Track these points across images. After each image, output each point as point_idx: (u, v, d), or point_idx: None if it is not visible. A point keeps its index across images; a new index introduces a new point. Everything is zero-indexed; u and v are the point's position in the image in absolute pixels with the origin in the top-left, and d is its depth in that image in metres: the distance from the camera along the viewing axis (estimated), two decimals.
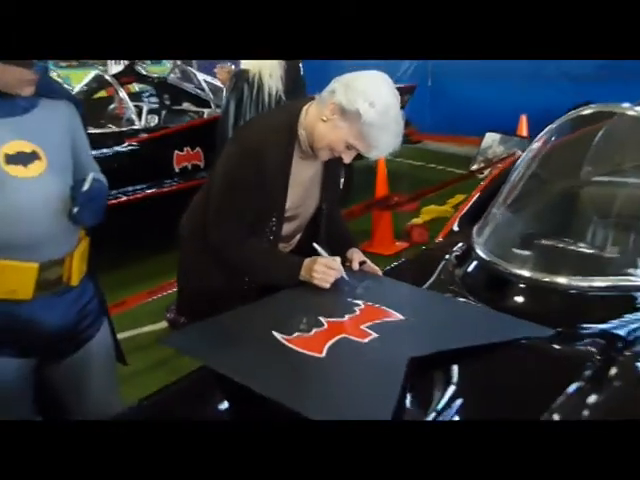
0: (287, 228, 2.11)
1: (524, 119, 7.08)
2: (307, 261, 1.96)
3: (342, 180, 6.53)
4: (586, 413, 1.38)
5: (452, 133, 8.50)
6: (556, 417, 1.35)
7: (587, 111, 2.31)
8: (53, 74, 7.80)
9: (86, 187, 1.77)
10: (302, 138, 1.98)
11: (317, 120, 1.93)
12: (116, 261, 4.45)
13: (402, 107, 6.44)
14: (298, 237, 2.22)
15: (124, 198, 4.81)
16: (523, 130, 6.99)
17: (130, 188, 4.91)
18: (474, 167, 5.41)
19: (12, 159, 1.71)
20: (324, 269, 1.91)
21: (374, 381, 1.45)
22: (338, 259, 1.97)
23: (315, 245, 2.01)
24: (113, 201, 4.69)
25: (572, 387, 1.43)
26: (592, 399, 1.41)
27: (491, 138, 5.57)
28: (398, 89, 4.79)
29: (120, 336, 2.22)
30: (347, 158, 1.97)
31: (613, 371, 1.49)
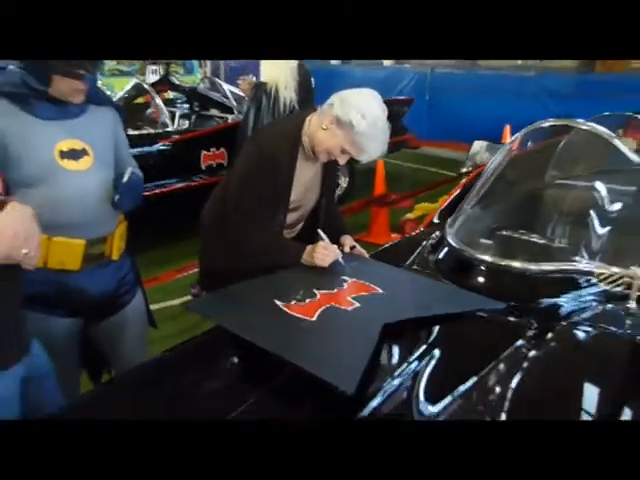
0: (291, 217, 2.16)
1: (508, 129, 7.08)
2: (309, 246, 2.01)
3: (347, 179, 6.66)
4: (525, 366, 1.44)
5: (446, 140, 8.48)
6: (502, 369, 1.42)
7: (546, 124, 2.35)
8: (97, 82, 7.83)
9: (125, 179, 1.82)
10: (305, 144, 2.04)
11: (318, 128, 1.98)
12: (151, 244, 4.48)
13: (401, 117, 6.47)
14: (301, 225, 2.27)
15: (158, 190, 4.83)
16: (507, 139, 6.96)
17: (163, 182, 4.93)
18: (463, 170, 5.42)
19: (65, 155, 1.75)
20: (324, 251, 1.97)
21: (352, 344, 1.51)
22: (335, 246, 2.03)
23: (319, 231, 2.08)
24: (148, 193, 4.65)
25: (516, 347, 1.49)
26: (532, 358, 1.47)
27: (479, 145, 5.56)
28: (398, 101, 4.84)
29: (152, 307, 2.27)
30: (342, 161, 2.03)
31: (550, 336, 1.55)
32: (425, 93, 9.85)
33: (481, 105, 8.66)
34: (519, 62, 9.27)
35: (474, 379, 1.37)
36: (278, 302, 1.68)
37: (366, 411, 1.27)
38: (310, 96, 4.83)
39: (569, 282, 1.83)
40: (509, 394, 1.35)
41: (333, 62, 13.44)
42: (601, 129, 2.17)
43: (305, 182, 2.13)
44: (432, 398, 1.34)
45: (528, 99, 8.09)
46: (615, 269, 1.74)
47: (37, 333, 1.70)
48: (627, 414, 1.25)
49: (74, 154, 1.77)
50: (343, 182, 6.73)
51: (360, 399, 1.29)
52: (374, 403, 1.30)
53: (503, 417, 1.28)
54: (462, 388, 1.34)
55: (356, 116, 1.88)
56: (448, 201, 2.81)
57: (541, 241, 2.05)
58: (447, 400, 1.31)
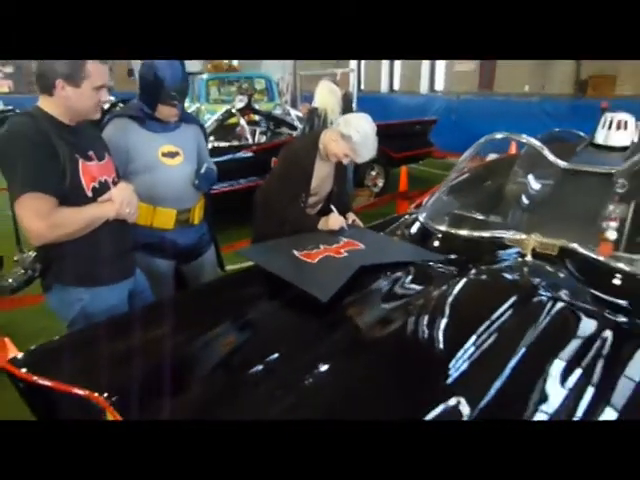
0: (313, 200, 2.41)
1: (514, 144, 7.09)
2: (324, 217, 2.29)
3: (383, 181, 6.87)
4: (447, 302, 1.57)
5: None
6: (434, 297, 1.60)
7: (499, 135, 2.46)
8: (202, 107, 8.15)
9: (203, 170, 2.12)
10: (321, 150, 2.30)
11: (330, 140, 2.25)
12: (238, 223, 4.71)
13: (428, 133, 6.47)
14: (319, 206, 2.50)
15: (239, 186, 5.12)
16: (513, 151, 6.99)
17: (243, 180, 5.18)
18: None
19: (165, 155, 2.04)
20: (335, 219, 2.24)
21: (334, 275, 1.75)
22: (342, 217, 2.30)
23: (331, 206, 2.34)
24: (232, 188, 5.02)
25: (448, 284, 1.68)
26: (455, 293, 1.62)
27: (492, 157, 5.69)
28: (425, 121, 5.06)
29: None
30: (345, 161, 2.29)
31: (464, 279, 1.70)
32: (452, 114, 9.89)
33: (495, 124, 8.54)
34: (526, 89, 9.19)
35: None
36: (295, 251, 1.96)
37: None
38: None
39: (498, 244, 1.98)
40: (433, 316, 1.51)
41: (382, 90, 13.57)
42: (533, 141, 2.35)
43: (321, 176, 2.37)
44: None
45: (532, 119, 8.02)
46: (520, 236, 1.91)
47: (146, 270, 2.00)
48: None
49: (170, 155, 2.06)
50: (380, 183, 6.98)
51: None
52: None
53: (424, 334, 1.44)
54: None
55: (354, 132, 2.16)
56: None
57: (481, 217, 2.25)
58: None
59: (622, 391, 1.19)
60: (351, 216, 2.44)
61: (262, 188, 2.54)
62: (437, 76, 12.08)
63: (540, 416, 1.11)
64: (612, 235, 2.00)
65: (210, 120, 5.81)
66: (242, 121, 5.71)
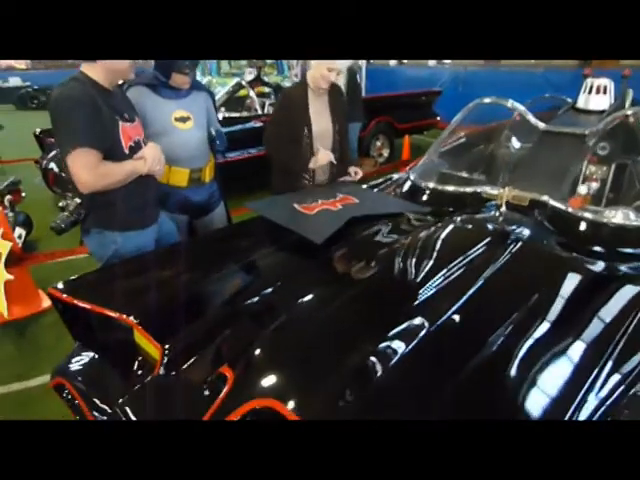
0: (317, 144, 2.43)
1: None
2: (313, 157, 2.39)
3: (389, 151, 6.95)
4: (425, 242, 1.78)
5: (472, 123, 8.52)
6: (421, 237, 1.83)
7: (487, 100, 2.66)
8: (213, 80, 8.26)
9: (213, 132, 2.33)
10: (310, 84, 2.39)
11: (312, 72, 2.35)
12: (248, 188, 4.72)
13: (432, 104, 6.59)
14: (327, 157, 2.44)
15: (249, 155, 5.27)
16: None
17: (253, 149, 5.32)
18: None
19: (177, 120, 2.21)
20: (323, 156, 2.39)
21: (329, 223, 1.94)
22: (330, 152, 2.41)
23: (318, 146, 2.42)
24: (242, 157, 5.20)
25: (429, 229, 1.86)
26: (433, 235, 1.81)
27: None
28: (429, 92, 5.21)
29: None
30: (332, 77, 2.33)
31: (441, 223, 1.89)
32: (459, 86, 9.90)
33: (500, 95, 8.55)
34: (531, 61, 9.15)
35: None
36: (296, 205, 2.15)
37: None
38: (355, 87, 5.18)
39: (477, 198, 2.16)
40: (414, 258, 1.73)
41: (391, 63, 13.51)
42: (517, 105, 2.51)
43: (317, 110, 2.43)
44: None
45: (536, 90, 8.00)
46: (496, 190, 2.09)
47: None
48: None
49: (182, 119, 2.24)
50: (385, 153, 7.11)
51: None
52: None
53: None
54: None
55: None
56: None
57: (465, 176, 2.42)
58: None
59: (560, 313, 1.39)
60: (353, 169, 2.57)
61: (264, 138, 2.55)
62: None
63: (482, 338, 1.28)
64: (583, 190, 2.17)
65: (221, 92, 5.94)
66: (251, 93, 5.82)
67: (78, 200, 1.85)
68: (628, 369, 1.19)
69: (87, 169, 1.68)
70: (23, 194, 4.52)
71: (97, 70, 1.74)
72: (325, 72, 2.32)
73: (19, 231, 3.97)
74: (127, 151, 1.82)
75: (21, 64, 22.49)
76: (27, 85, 17.08)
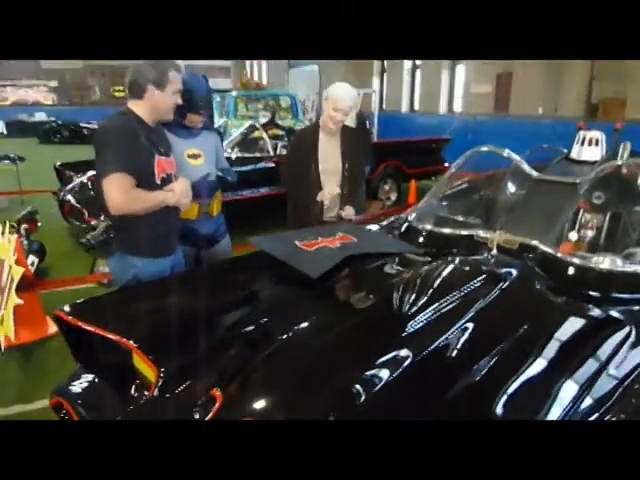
0: (325, 177, 2.70)
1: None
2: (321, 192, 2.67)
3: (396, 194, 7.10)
4: (417, 279, 1.83)
5: (479, 170, 8.67)
6: (413, 278, 1.94)
7: (484, 148, 2.77)
8: (229, 122, 8.57)
9: (220, 167, 2.51)
10: (322, 126, 2.69)
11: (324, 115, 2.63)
12: (252, 226, 4.97)
13: (440, 151, 6.80)
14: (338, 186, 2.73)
15: (260, 194, 5.45)
16: None
17: (265, 189, 5.51)
18: None
19: (190, 156, 2.38)
20: (330, 190, 2.63)
21: (326, 260, 2.00)
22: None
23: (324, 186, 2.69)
24: (254, 195, 5.37)
25: (421, 268, 1.94)
26: (425, 273, 1.87)
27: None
28: (438, 140, 5.40)
29: None
30: (338, 117, 2.61)
31: (435, 264, 1.96)
32: (468, 134, 10.14)
33: (508, 144, 8.69)
34: (540, 112, 9.39)
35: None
36: (297, 242, 2.22)
37: None
38: (366, 134, 5.38)
39: (470, 242, 2.22)
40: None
41: (403, 110, 13.89)
42: (512, 155, 2.61)
43: (327, 150, 2.70)
44: None
45: (542, 140, 8.17)
46: (487, 234, 2.17)
47: None
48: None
49: (194, 156, 2.42)
50: (393, 196, 7.27)
51: None
52: None
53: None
54: None
55: (330, 92, 2.65)
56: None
57: (460, 218, 2.50)
58: None
59: (541, 350, 1.45)
60: (347, 209, 2.76)
61: (281, 175, 2.91)
62: (455, 97, 12.34)
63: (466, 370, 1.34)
64: (573, 237, 2.25)
65: (235, 133, 6.18)
66: (264, 135, 6.06)
67: (109, 222, 1.99)
68: (601, 396, 1.24)
69: (120, 192, 1.85)
70: (39, 224, 4.69)
71: (142, 108, 1.96)
72: (332, 112, 2.57)
73: (32, 258, 4.10)
74: (159, 182, 1.99)
75: (47, 99, 23.46)
76: (52, 120, 17.78)
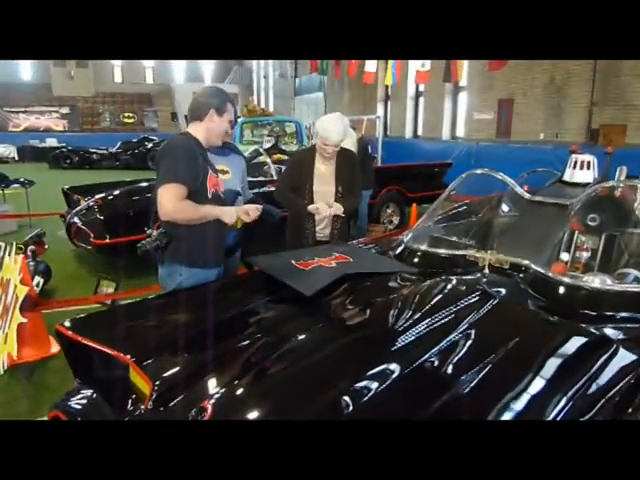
0: (318, 197, 2.86)
1: (526, 188, 7.34)
2: (313, 205, 2.82)
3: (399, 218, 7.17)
4: (409, 297, 1.88)
5: (482, 195, 8.77)
6: (405, 296, 1.97)
7: (479, 171, 2.84)
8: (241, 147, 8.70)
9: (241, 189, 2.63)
10: (318, 151, 2.82)
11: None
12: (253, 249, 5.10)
13: (443, 175, 6.88)
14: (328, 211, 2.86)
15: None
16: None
17: None
18: None
19: (220, 172, 2.50)
20: (323, 206, 2.76)
21: (320, 277, 2.07)
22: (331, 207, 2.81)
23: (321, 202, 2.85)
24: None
25: (414, 287, 2.00)
26: (418, 292, 1.91)
27: None
28: (440, 164, 5.54)
29: None
30: (328, 149, 2.78)
31: (429, 282, 2.00)
32: (471, 159, 10.26)
33: (510, 169, 8.77)
34: (541, 137, 9.50)
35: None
36: (293, 261, 2.28)
37: None
38: (367, 159, 5.47)
39: (463, 261, 2.28)
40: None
41: (407, 136, 14.09)
42: (506, 178, 2.67)
43: (321, 172, 2.89)
44: None
45: (544, 164, 8.25)
46: (478, 254, 2.21)
47: None
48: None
49: (222, 172, 2.59)
50: (395, 220, 7.33)
51: None
52: None
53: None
54: None
55: (319, 127, 2.77)
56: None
57: (454, 239, 2.55)
58: None
59: (527, 364, 1.48)
60: (335, 204, 2.88)
61: (275, 192, 3.08)
62: (458, 123, 12.51)
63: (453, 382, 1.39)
64: (564, 257, 2.29)
65: None
66: (268, 160, 6.18)
67: (162, 230, 2.15)
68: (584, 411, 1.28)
69: (171, 199, 2.03)
70: (46, 246, 4.78)
71: (200, 130, 2.22)
72: (322, 145, 2.78)
73: (37, 279, 4.17)
74: (210, 196, 2.19)
75: (58, 125, 23.97)
76: (62, 146, 18.16)
